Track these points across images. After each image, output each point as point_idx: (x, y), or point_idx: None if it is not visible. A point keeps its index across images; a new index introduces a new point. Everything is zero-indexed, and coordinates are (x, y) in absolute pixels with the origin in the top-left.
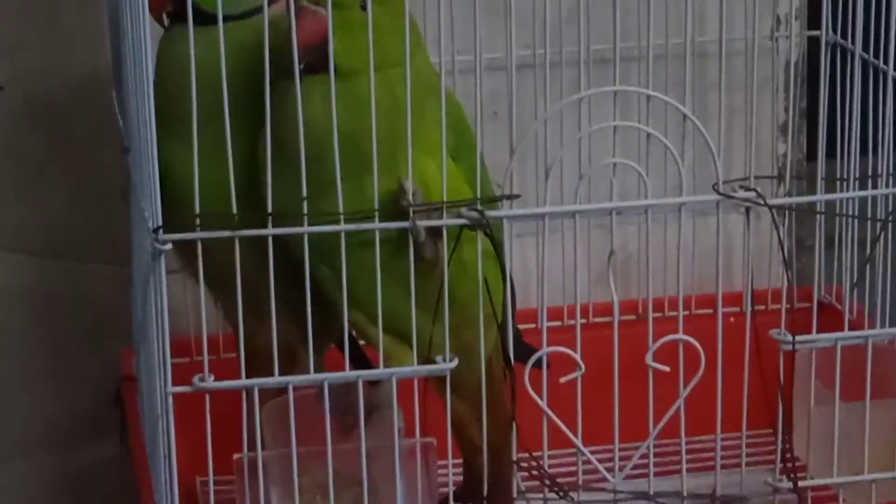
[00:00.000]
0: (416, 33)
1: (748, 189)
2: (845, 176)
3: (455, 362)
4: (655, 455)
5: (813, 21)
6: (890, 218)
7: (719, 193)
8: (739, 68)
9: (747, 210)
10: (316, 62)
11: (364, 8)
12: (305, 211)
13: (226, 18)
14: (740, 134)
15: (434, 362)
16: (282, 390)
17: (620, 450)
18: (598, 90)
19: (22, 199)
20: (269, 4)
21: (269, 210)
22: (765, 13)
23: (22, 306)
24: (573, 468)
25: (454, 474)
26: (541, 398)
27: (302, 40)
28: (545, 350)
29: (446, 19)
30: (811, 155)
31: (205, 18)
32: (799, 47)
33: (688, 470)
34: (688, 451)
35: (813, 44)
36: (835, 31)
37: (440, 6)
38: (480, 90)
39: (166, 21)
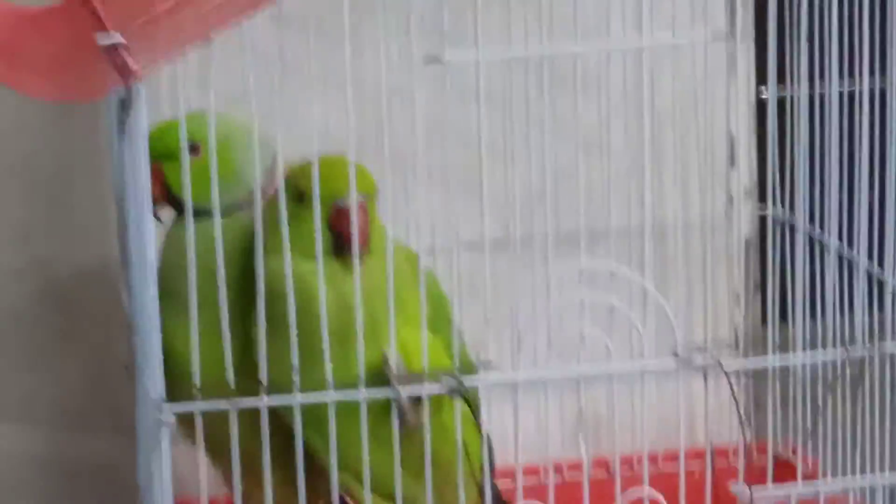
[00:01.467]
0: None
1: (706, 354)
2: (795, 340)
3: None
4: None
5: (763, 198)
6: (838, 378)
7: (678, 359)
8: (696, 243)
9: (705, 373)
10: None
11: None
12: (297, 381)
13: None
14: (699, 303)
15: None
16: None
17: None
18: (566, 268)
19: (34, 373)
20: (262, 194)
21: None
22: (719, 192)
23: (33, 475)
24: None
25: None
26: None
27: (361, 232)
28: None
29: (425, 202)
30: (764, 320)
31: (200, 213)
32: (750, 222)
33: None
34: None
35: (763, 219)
36: (783, 206)
37: (420, 190)
38: (459, 267)
39: (163, 217)
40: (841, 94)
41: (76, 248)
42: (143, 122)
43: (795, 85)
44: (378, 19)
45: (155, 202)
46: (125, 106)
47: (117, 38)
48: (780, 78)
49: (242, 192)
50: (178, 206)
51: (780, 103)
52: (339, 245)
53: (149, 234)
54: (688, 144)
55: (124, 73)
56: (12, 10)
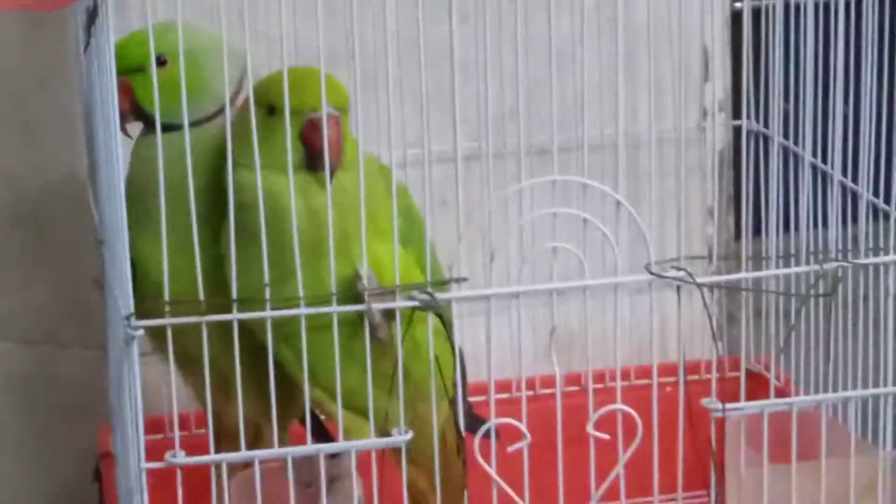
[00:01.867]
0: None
1: (679, 269)
2: (769, 254)
3: (410, 435)
4: None
5: (737, 112)
6: (810, 292)
7: (652, 273)
8: (670, 157)
9: (678, 288)
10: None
11: None
12: (268, 296)
13: (188, 125)
14: (672, 217)
15: (390, 435)
16: (249, 464)
17: None
18: (538, 180)
19: (3, 289)
20: (230, 105)
21: (234, 296)
22: (692, 105)
23: (4, 389)
24: None
25: None
26: (490, 466)
27: (335, 146)
28: (493, 421)
29: (397, 115)
30: (738, 235)
31: (168, 126)
32: (724, 136)
33: None
34: None
35: (737, 132)
36: (757, 120)
37: (390, 103)
38: (430, 180)
39: (132, 130)
40: (816, 5)
41: (44, 162)
42: (110, 32)
43: None
44: None
45: (123, 117)
46: (92, 16)
47: None
48: None
49: (211, 105)
50: (146, 119)
51: (756, 14)
52: (312, 159)
53: (117, 148)
54: (661, 57)
55: None
56: None
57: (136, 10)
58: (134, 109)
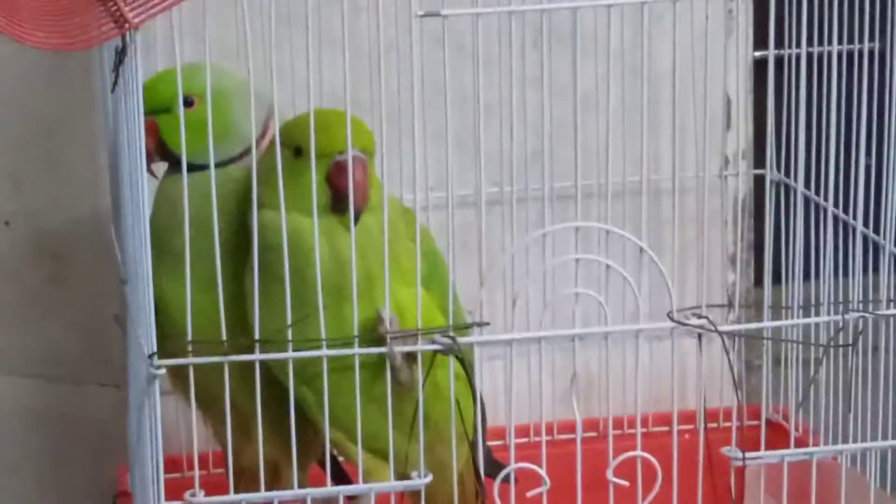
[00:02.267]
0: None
1: (700, 317)
2: (790, 304)
3: (429, 478)
4: None
5: (759, 160)
6: (831, 343)
7: (673, 321)
8: (691, 204)
9: (699, 336)
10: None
11: None
12: (290, 338)
13: (214, 166)
14: (693, 264)
15: (410, 478)
16: None
17: None
18: (561, 226)
19: (24, 325)
20: (256, 146)
21: (256, 337)
22: (714, 154)
23: (23, 426)
24: None
25: None
26: None
27: (361, 189)
28: (513, 466)
29: (421, 158)
30: (758, 283)
31: (193, 166)
32: (746, 184)
33: None
34: None
35: (759, 181)
36: (779, 169)
37: (415, 147)
38: (453, 224)
39: (157, 170)
40: (840, 55)
41: (68, 199)
42: (137, 72)
43: (794, 44)
44: None
45: (148, 156)
46: (120, 55)
47: None
48: (779, 37)
49: (237, 146)
50: (171, 160)
51: (779, 63)
52: (338, 201)
53: (143, 186)
54: (684, 105)
55: (119, 21)
56: None
57: (163, 51)
58: (159, 149)
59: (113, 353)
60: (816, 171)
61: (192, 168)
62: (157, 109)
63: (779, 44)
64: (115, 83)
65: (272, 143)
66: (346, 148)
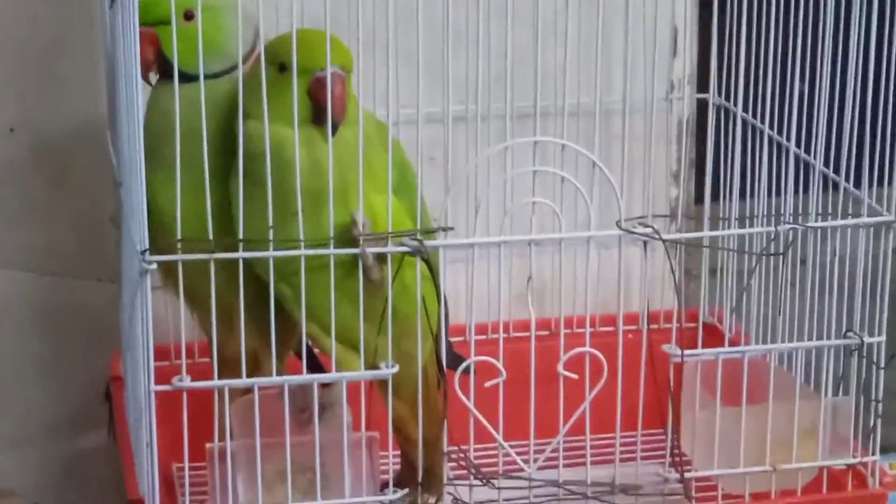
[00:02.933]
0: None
1: (646, 226)
2: (727, 216)
3: (396, 368)
4: (565, 449)
5: (702, 86)
6: (763, 252)
7: (622, 229)
8: (640, 124)
9: (644, 244)
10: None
11: None
12: (271, 238)
13: (205, 77)
14: (640, 179)
15: (378, 368)
16: (248, 390)
17: (535, 445)
18: (520, 140)
19: (27, 224)
20: (243, 62)
21: (240, 237)
22: (661, 78)
23: (24, 317)
24: (495, 460)
25: (393, 464)
26: (468, 400)
27: (340, 104)
28: (473, 359)
29: (392, 78)
30: (699, 199)
31: (185, 77)
32: (690, 107)
33: (592, 462)
34: (592, 447)
35: (702, 105)
36: (720, 94)
37: (388, 67)
38: (421, 138)
39: (153, 79)
40: None
41: (67, 107)
42: None
43: None
44: None
45: (146, 66)
46: None
47: None
48: None
49: (227, 61)
50: (166, 69)
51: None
52: (318, 114)
53: (137, 95)
54: (635, 34)
55: None
56: None
57: None
58: (157, 60)
59: (108, 252)
60: (755, 97)
61: (184, 78)
62: (157, 21)
63: None
64: (114, 1)
65: (258, 59)
66: (326, 65)
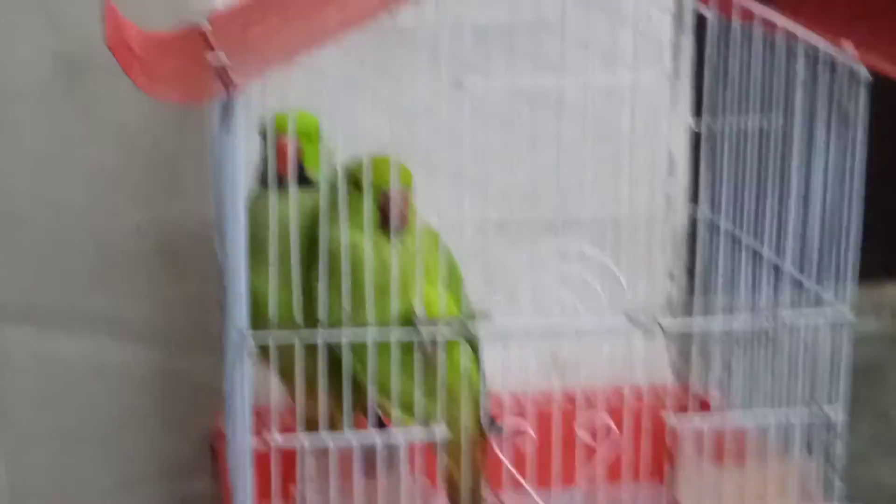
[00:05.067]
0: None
1: (649, 316)
2: (713, 310)
3: (445, 431)
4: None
5: (694, 198)
6: (743, 340)
7: (629, 319)
8: (643, 232)
9: (647, 330)
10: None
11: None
12: (347, 323)
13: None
14: (644, 277)
15: (431, 430)
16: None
17: (557, 491)
18: (547, 247)
19: (149, 304)
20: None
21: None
22: (659, 195)
23: (145, 384)
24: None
25: None
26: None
27: (402, 215)
28: (507, 422)
29: (444, 192)
30: (691, 293)
31: (284, 184)
32: (683, 220)
33: None
34: (604, 494)
35: (693, 218)
36: (710, 209)
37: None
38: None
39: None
40: (755, 129)
41: (185, 210)
42: (239, 122)
43: (723, 118)
44: (414, 52)
45: (282, 168)
46: (226, 109)
47: (222, 57)
48: (711, 110)
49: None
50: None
51: (712, 135)
52: (385, 222)
53: (240, 204)
54: (639, 160)
55: (227, 84)
56: (149, 36)
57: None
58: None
59: (215, 330)
60: (737, 212)
61: (283, 186)
62: (301, 135)
63: (711, 115)
64: (222, 128)
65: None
66: (392, 184)
